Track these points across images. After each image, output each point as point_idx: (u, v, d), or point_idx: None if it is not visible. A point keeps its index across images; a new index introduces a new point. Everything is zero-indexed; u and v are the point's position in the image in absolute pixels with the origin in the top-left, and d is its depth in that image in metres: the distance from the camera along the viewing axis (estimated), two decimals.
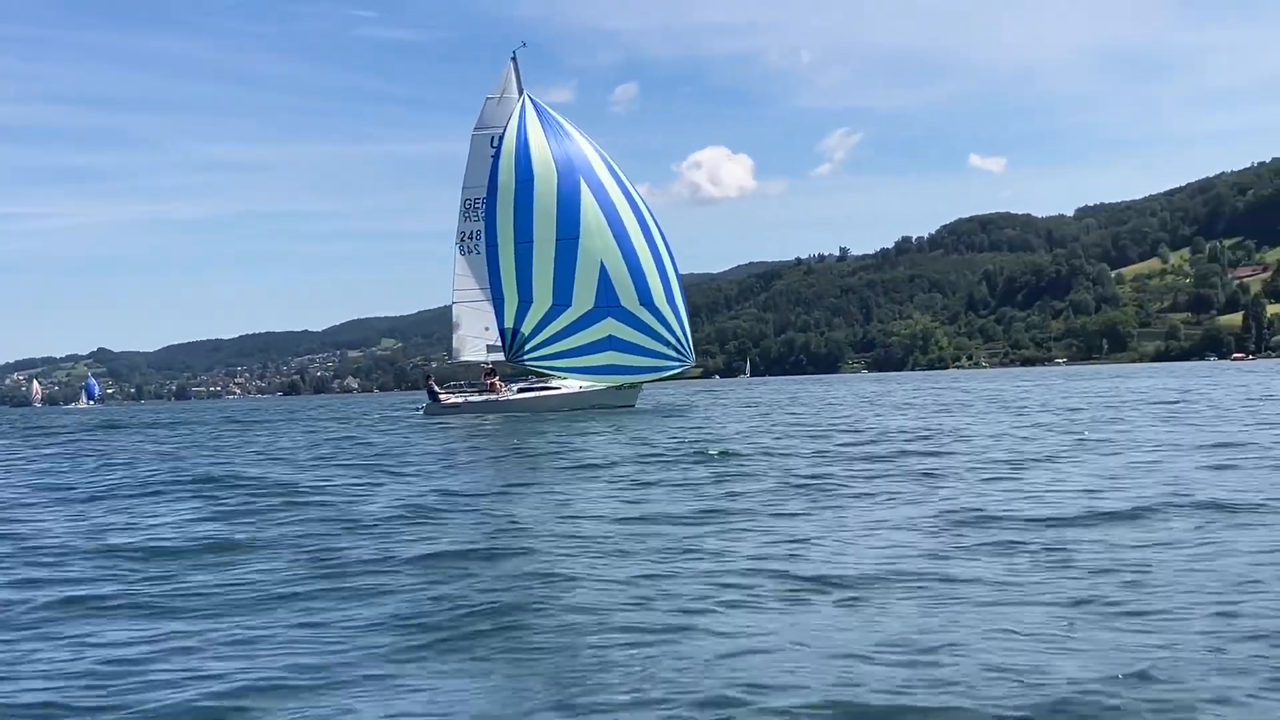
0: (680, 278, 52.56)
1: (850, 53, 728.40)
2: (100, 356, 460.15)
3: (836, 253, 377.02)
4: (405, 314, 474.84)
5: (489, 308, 53.51)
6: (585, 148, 52.04)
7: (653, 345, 51.18)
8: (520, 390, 53.62)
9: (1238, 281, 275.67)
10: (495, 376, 54.51)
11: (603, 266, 50.40)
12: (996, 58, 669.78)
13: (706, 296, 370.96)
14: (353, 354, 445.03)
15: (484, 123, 54.46)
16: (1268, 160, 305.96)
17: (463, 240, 54.66)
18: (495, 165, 51.74)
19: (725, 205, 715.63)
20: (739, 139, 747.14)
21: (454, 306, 55.30)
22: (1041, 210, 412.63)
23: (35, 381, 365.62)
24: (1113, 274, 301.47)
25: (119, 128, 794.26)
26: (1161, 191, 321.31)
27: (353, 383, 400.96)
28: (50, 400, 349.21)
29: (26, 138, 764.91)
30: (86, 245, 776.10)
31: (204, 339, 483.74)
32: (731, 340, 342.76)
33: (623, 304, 50.57)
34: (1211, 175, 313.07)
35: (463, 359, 55.69)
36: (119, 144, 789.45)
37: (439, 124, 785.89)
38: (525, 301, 51.22)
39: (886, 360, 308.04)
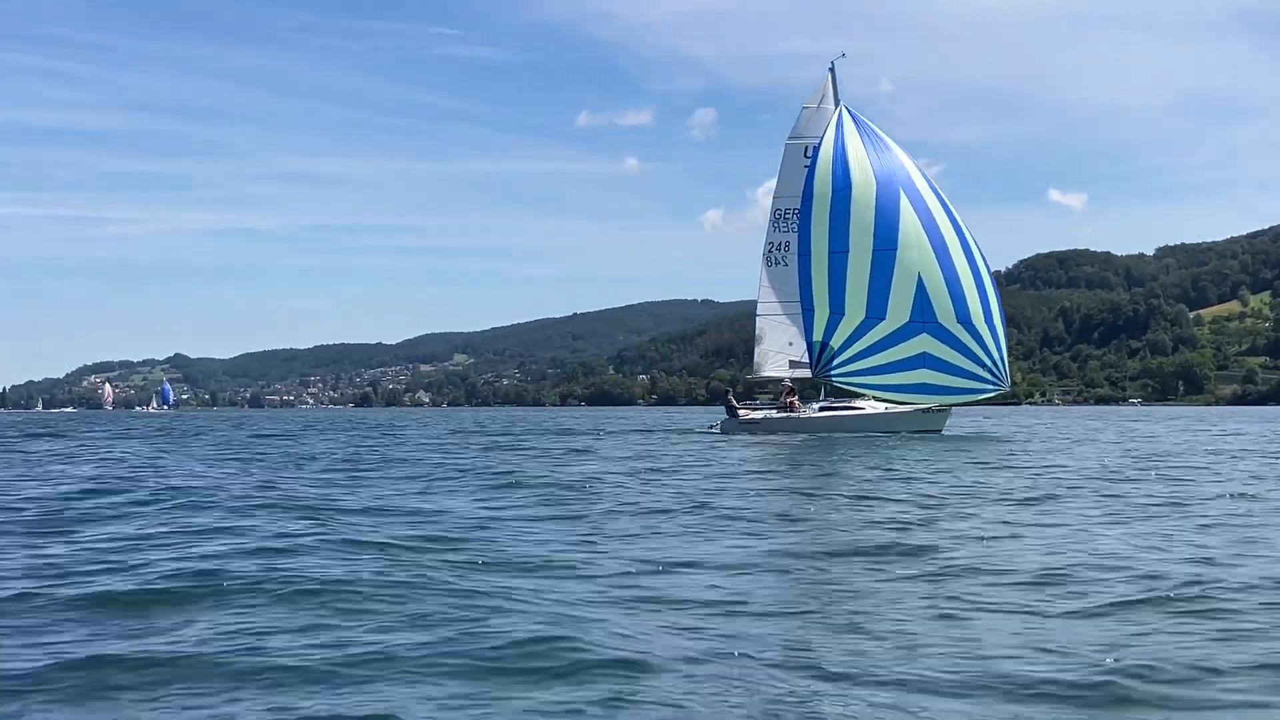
0: (999, 298, 49.63)
1: (931, 84, 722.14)
2: (176, 362, 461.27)
3: None
4: (478, 330, 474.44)
5: (791, 322, 50.95)
6: (904, 159, 49.48)
7: (968, 366, 48.32)
8: (821, 409, 50.72)
9: None
10: (795, 395, 51.66)
11: (920, 280, 47.66)
12: (1079, 94, 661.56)
13: None
14: (425, 368, 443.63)
15: (798, 132, 51.79)
16: None
17: (770, 251, 51.87)
18: (811, 174, 49.21)
19: None
20: None
21: (757, 320, 52.58)
22: (1121, 248, 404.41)
23: (107, 384, 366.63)
24: (1191, 315, 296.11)
25: (205, 138, 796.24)
26: (1243, 234, 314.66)
27: (424, 397, 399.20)
28: (126, 404, 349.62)
29: (114, 145, 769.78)
30: (170, 251, 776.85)
31: (279, 348, 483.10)
32: None
33: (939, 320, 47.78)
34: None
35: (764, 374, 52.89)
36: (205, 153, 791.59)
37: (518, 144, 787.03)
38: (837, 313, 48.55)
39: None
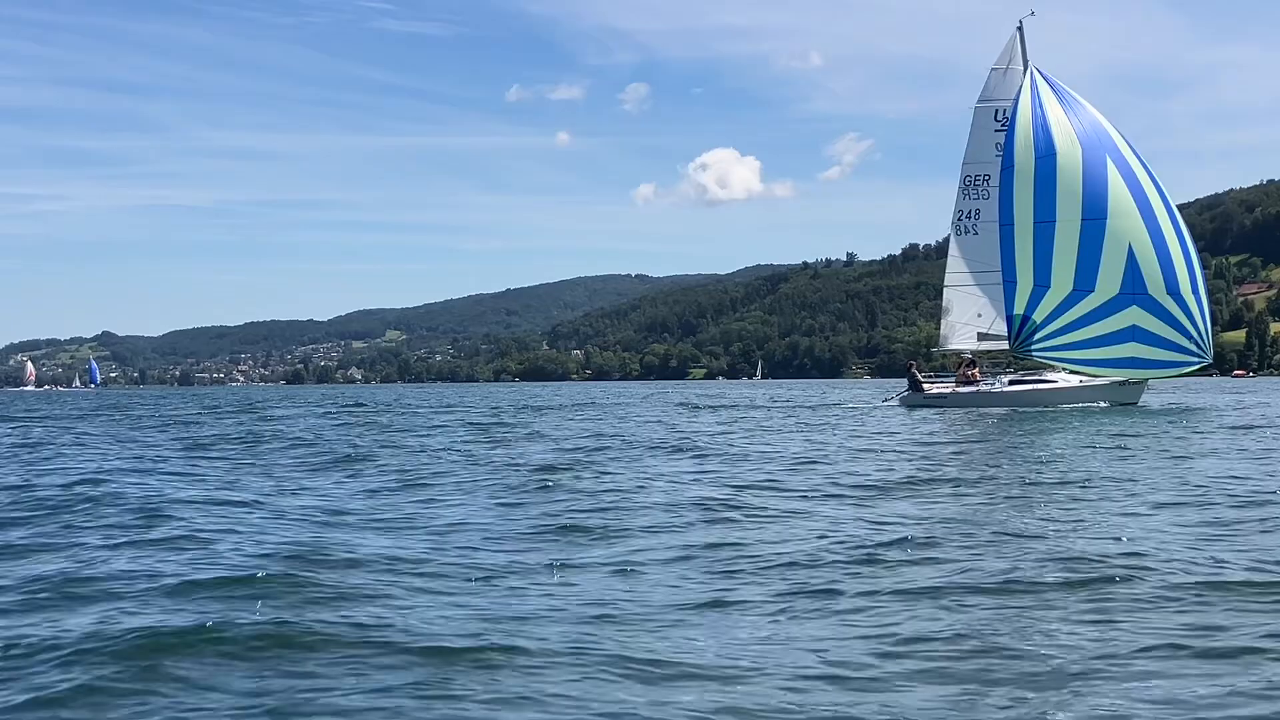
0: (1202, 266, 46.94)
1: (862, 59, 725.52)
2: (105, 340, 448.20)
3: (844, 257, 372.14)
4: (410, 306, 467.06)
5: (980, 292, 47.95)
6: (1104, 122, 46.39)
7: (1177, 339, 45.45)
8: (1011, 383, 47.73)
9: (1242, 298, 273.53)
10: (975, 367, 48.66)
11: (1130, 250, 44.73)
12: None
13: (713, 298, 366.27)
14: (357, 345, 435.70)
15: (987, 95, 48.47)
16: (1276, 178, 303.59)
17: (960, 220, 48.67)
18: (1010, 140, 45.86)
19: (732, 207, 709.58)
20: (748, 141, 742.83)
21: (945, 291, 49.53)
22: None
23: (29, 362, 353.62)
24: None
25: (133, 113, 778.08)
26: None
27: (356, 373, 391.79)
28: (54, 382, 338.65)
29: (41, 120, 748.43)
30: (96, 228, 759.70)
31: (209, 325, 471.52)
32: (736, 342, 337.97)
33: (1149, 291, 44.85)
34: (1220, 192, 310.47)
35: (950, 347, 49.75)
36: (133, 129, 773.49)
37: (450, 118, 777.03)
38: (1041, 286, 45.39)
39: (890, 366, 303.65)
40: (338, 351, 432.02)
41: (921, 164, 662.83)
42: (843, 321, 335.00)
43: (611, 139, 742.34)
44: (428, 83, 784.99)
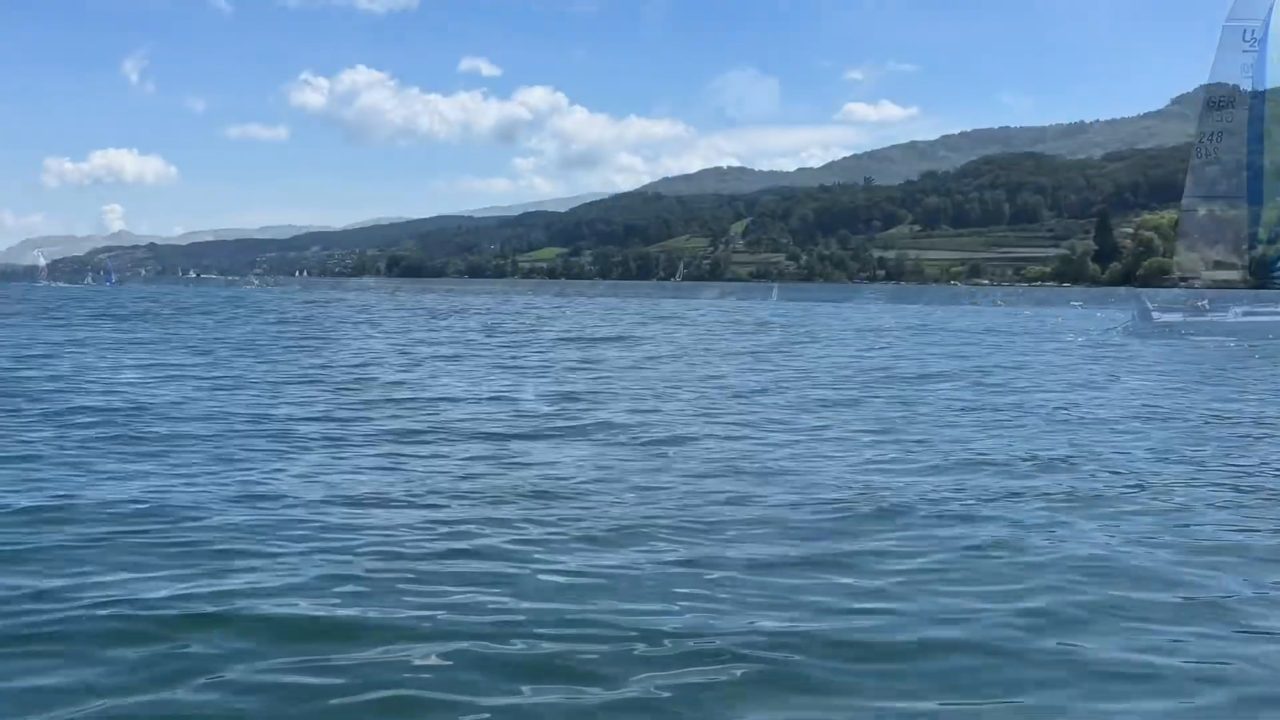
0: None
1: None
2: (120, 238, 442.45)
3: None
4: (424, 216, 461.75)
5: (1218, 218, 45.88)
6: None
7: None
8: (1245, 314, 45.76)
9: None
10: (1205, 298, 46.68)
11: None
12: None
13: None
14: (370, 252, 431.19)
15: (1236, 15, 46.03)
16: None
17: (1201, 141, 46.36)
18: (1262, 60, 43.91)
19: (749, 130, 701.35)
20: (769, 62, 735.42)
21: (1181, 215, 47.29)
22: None
23: (41, 256, 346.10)
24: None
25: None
26: None
27: (369, 281, 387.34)
28: (67, 279, 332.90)
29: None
30: None
31: (228, 228, 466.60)
32: None
33: None
34: None
35: (1187, 274, 47.66)
36: None
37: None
38: None
39: None
40: (351, 259, 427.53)
41: (944, 89, 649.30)
42: None
43: (629, 59, 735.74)
44: None
